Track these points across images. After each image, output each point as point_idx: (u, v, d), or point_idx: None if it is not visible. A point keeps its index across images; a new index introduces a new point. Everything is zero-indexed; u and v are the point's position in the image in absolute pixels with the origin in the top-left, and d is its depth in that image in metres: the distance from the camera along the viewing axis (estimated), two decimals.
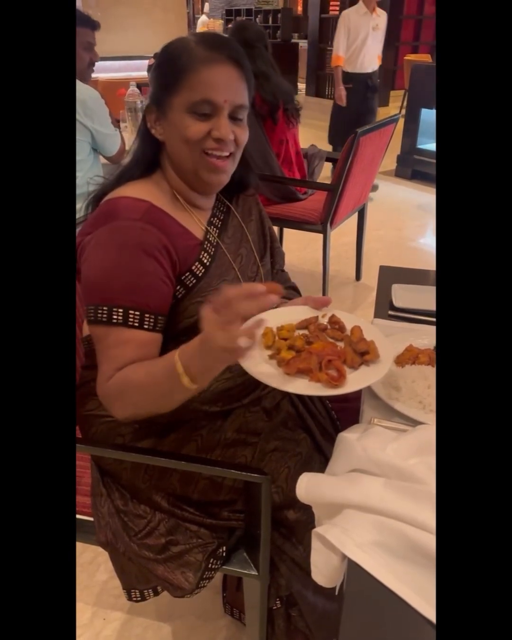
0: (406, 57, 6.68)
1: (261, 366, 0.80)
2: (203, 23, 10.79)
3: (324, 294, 2.67)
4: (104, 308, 0.81)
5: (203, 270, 0.91)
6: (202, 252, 0.92)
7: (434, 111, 4.49)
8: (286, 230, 3.06)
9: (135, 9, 6.62)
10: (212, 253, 0.94)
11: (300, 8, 11.63)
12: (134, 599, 1.01)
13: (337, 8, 8.22)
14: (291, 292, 1.14)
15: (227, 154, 0.87)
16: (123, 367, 0.79)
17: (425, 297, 1.12)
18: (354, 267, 3.06)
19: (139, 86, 2.82)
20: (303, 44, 9.41)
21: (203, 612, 1.34)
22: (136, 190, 0.88)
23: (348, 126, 3.97)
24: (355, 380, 0.78)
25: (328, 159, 2.89)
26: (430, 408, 0.82)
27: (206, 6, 11.80)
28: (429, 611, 0.54)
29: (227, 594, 1.27)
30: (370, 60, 4.29)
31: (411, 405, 0.83)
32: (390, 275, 1.27)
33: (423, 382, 0.86)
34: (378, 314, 1.13)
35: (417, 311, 1.11)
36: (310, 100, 8.47)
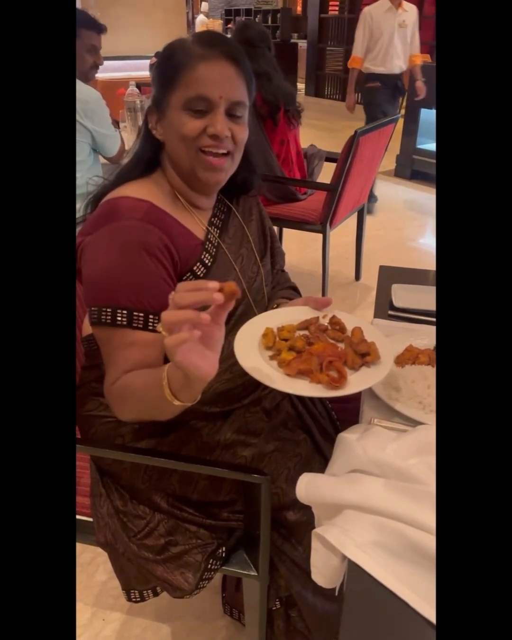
0: None
1: (261, 367, 0.80)
2: (201, 23, 10.79)
3: (323, 294, 2.67)
4: (108, 310, 0.81)
5: (204, 271, 0.91)
6: (204, 253, 0.92)
7: (433, 111, 4.48)
8: (285, 230, 3.06)
9: (134, 8, 6.61)
10: (213, 253, 0.94)
11: (299, 8, 11.64)
12: (134, 599, 1.01)
13: (337, 8, 8.24)
14: (291, 292, 1.14)
15: (224, 151, 0.87)
16: (130, 369, 0.79)
17: (425, 297, 1.12)
18: (353, 267, 3.06)
19: (138, 86, 2.82)
20: (302, 44, 9.43)
21: (202, 612, 1.34)
22: (137, 190, 0.88)
23: None
24: (356, 382, 0.78)
25: (328, 159, 2.89)
26: (430, 408, 0.82)
27: (204, 6, 11.79)
28: (429, 612, 0.54)
29: (227, 595, 1.26)
30: (398, 60, 3.84)
31: (411, 405, 0.83)
32: (390, 275, 1.27)
33: (423, 382, 0.86)
34: (378, 314, 1.13)
35: (417, 311, 1.11)
36: (309, 100, 8.49)
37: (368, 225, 3.03)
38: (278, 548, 0.92)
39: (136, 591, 1.00)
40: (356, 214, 2.90)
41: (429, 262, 3.19)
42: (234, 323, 0.95)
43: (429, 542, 0.57)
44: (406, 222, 3.93)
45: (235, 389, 0.97)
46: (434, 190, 4.54)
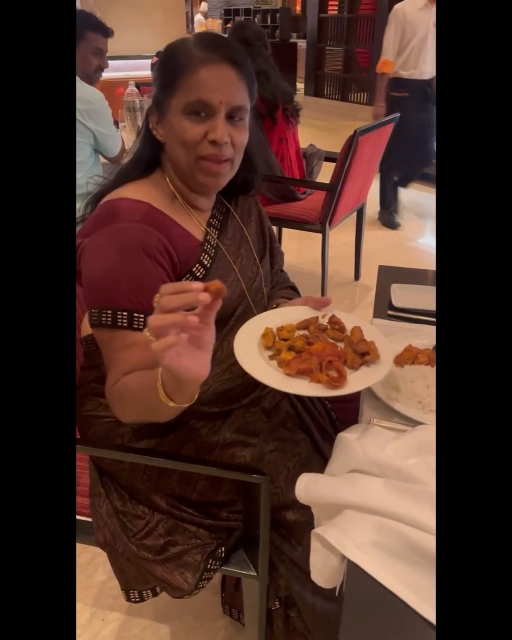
0: None
1: (261, 367, 0.80)
2: (200, 23, 10.79)
3: (323, 293, 2.67)
4: (108, 311, 0.80)
5: (204, 272, 0.91)
6: (203, 254, 0.92)
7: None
8: (284, 230, 3.06)
9: (134, 8, 6.61)
10: (212, 254, 0.93)
11: (298, 8, 11.65)
12: (133, 599, 1.00)
13: (336, 8, 8.24)
14: (290, 292, 1.14)
15: (224, 159, 0.86)
16: (131, 371, 0.78)
17: (424, 297, 1.12)
18: (353, 266, 3.06)
19: (137, 86, 2.82)
20: (302, 44, 9.42)
21: (202, 612, 1.34)
22: (135, 191, 0.88)
23: (407, 146, 3.36)
24: (355, 381, 0.78)
25: (327, 159, 2.89)
26: (429, 408, 0.82)
27: (203, 5, 11.79)
28: (429, 612, 0.54)
29: (226, 595, 1.26)
30: (431, 63, 3.33)
31: (410, 405, 0.83)
32: (389, 275, 1.26)
33: (422, 382, 0.86)
34: (377, 313, 1.13)
35: (417, 311, 1.11)
36: (309, 100, 8.49)
37: (367, 225, 3.03)
38: (277, 548, 0.92)
39: (135, 591, 1.00)
40: (356, 213, 2.90)
41: (429, 262, 3.19)
42: (233, 323, 0.95)
43: (429, 542, 0.57)
44: (405, 221, 3.92)
45: (235, 389, 0.97)
46: (433, 190, 4.54)
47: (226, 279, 0.94)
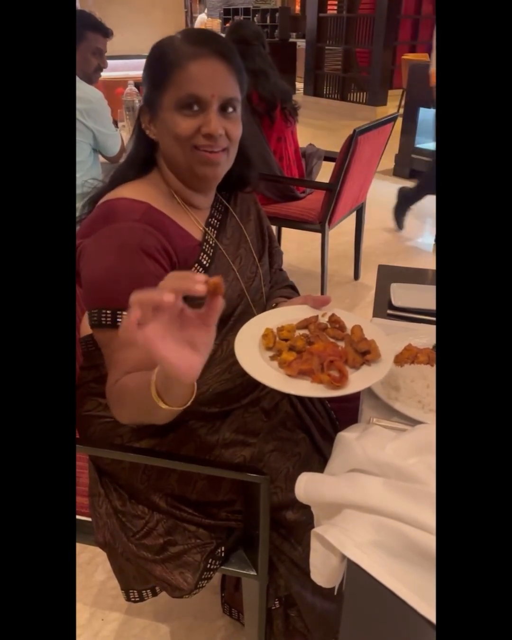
0: (403, 57, 6.68)
1: (263, 369, 0.80)
2: (201, 22, 10.78)
3: (322, 293, 2.67)
4: (108, 312, 0.80)
5: (203, 272, 0.91)
6: (201, 254, 0.92)
7: (431, 110, 4.47)
8: (284, 230, 3.06)
9: (133, 8, 6.61)
10: (211, 254, 0.93)
11: (298, 7, 11.64)
12: (133, 599, 1.00)
13: (335, 7, 8.23)
14: (289, 291, 1.14)
15: (219, 149, 0.86)
16: (131, 371, 0.78)
17: (424, 296, 1.12)
18: (352, 266, 3.06)
19: (136, 85, 2.81)
20: (301, 44, 9.41)
21: (201, 612, 1.34)
22: (134, 191, 0.88)
23: None
24: (357, 381, 0.78)
25: (327, 158, 2.89)
26: (429, 407, 0.82)
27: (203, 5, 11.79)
28: (429, 611, 0.54)
29: (226, 594, 1.26)
30: None
31: (410, 404, 0.83)
32: (388, 275, 1.26)
33: (422, 381, 0.86)
34: (377, 313, 1.13)
35: (416, 310, 1.11)
36: (308, 99, 8.47)
37: (367, 224, 3.03)
38: (277, 548, 0.92)
39: (135, 591, 1.00)
40: (355, 213, 2.90)
41: (428, 262, 3.19)
42: (233, 323, 0.95)
43: (429, 541, 0.57)
44: (405, 221, 3.91)
45: (234, 389, 0.96)
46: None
47: (225, 279, 0.94)
